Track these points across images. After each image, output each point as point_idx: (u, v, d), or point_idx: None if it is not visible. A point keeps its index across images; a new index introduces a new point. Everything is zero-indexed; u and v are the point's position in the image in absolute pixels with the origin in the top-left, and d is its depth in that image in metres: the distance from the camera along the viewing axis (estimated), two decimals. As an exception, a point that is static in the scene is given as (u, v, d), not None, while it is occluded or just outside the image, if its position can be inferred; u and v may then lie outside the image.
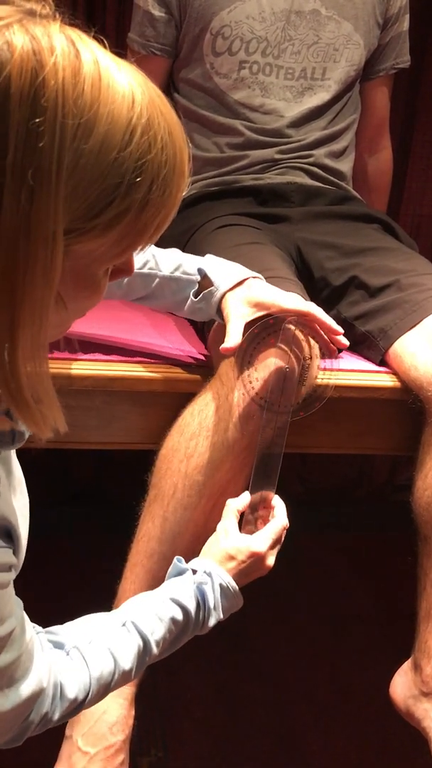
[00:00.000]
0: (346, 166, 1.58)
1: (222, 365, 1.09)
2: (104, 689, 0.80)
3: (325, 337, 1.06)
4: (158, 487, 1.10)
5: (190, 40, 1.50)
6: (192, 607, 0.88)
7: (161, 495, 1.09)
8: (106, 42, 0.60)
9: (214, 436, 1.06)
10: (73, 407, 1.12)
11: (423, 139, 2.11)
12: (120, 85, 0.57)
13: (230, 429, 1.05)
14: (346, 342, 1.08)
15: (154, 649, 0.84)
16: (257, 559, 0.95)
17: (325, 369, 1.10)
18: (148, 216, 0.61)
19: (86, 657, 0.78)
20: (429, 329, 1.18)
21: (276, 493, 1.03)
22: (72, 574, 1.81)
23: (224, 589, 0.92)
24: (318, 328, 1.05)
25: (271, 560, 0.97)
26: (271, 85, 1.48)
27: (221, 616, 0.92)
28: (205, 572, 0.91)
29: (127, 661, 0.81)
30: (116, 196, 0.58)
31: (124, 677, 0.82)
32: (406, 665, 1.20)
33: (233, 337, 1.00)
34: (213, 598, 0.90)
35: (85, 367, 1.11)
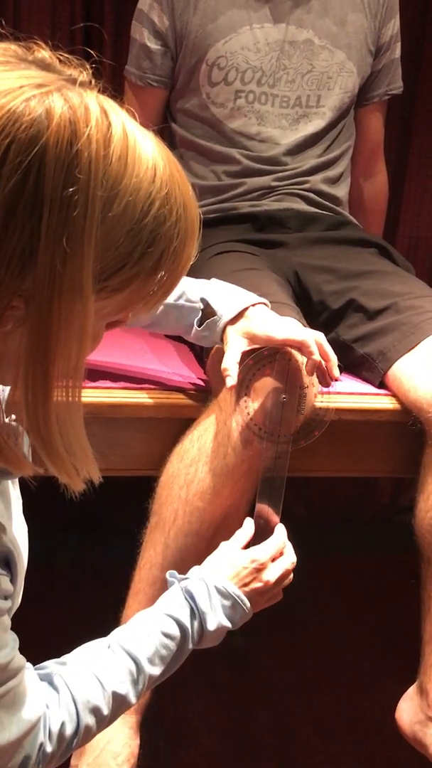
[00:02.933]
0: (342, 191, 1.60)
1: (221, 391, 1.09)
2: (99, 717, 0.77)
3: (322, 365, 1.05)
4: (159, 514, 1.10)
5: (186, 71, 1.52)
6: (184, 615, 0.85)
7: (162, 522, 1.09)
8: (135, 114, 0.62)
9: (214, 461, 1.07)
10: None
11: (418, 163, 2.13)
12: (144, 157, 0.60)
13: (229, 454, 1.06)
14: (337, 373, 1.08)
15: (149, 668, 0.81)
16: (258, 567, 0.92)
17: (323, 393, 1.11)
18: (155, 282, 0.63)
19: (70, 686, 0.76)
20: (427, 351, 1.18)
21: (280, 515, 1.03)
22: (75, 602, 1.80)
23: (222, 593, 0.88)
24: (315, 356, 1.05)
25: (272, 575, 0.93)
26: (267, 114, 1.50)
27: (225, 622, 0.88)
28: (198, 578, 0.89)
29: (117, 685, 0.78)
30: (127, 262, 0.60)
31: (119, 702, 0.79)
32: (412, 690, 1.19)
33: (232, 372, 1.01)
34: (207, 600, 0.87)
35: (86, 394, 1.11)
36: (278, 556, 0.96)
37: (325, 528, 2.20)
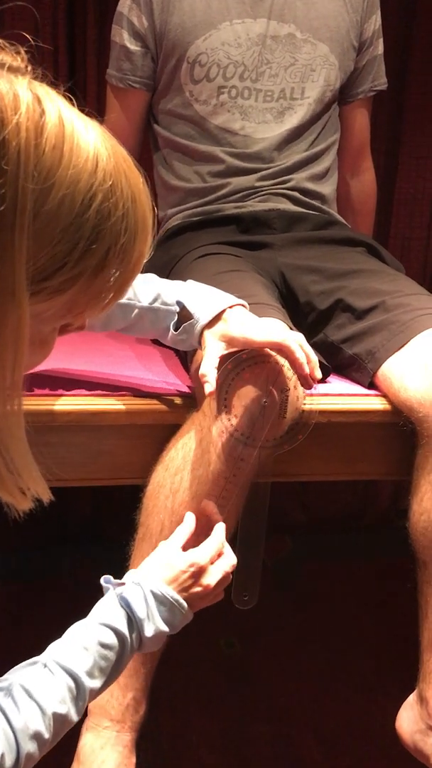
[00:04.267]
0: (328, 188, 1.58)
1: (204, 397, 1.07)
2: (41, 742, 0.72)
3: (304, 367, 1.01)
4: (146, 525, 1.07)
5: (168, 71, 1.51)
6: (121, 623, 0.82)
7: (149, 533, 1.06)
8: (74, 100, 0.58)
9: (198, 469, 1.04)
10: (56, 444, 1.10)
11: (409, 163, 2.11)
12: (84, 147, 0.56)
13: (213, 462, 1.03)
14: (319, 374, 1.05)
15: (89, 682, 0.77)
16: (198, 570, 0.88)
17: (306, 395, 1.08)
18: (102, 282, 0.59)
19: (7, 713, 0.71)
20: (416, 350, 1.16)
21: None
22: (70, 614, 1.77)
23: (159, 598, 0.85)
24: (295, 358, 1.01)
25: (212, 578, 0.89)
26: (251, 109, 1.49)
27: (163, 627, 0.84)
28: (133, 582, 0.85)
29: (57, 706, 0.74)
30: (68, 260, 0.56)
31: (61, 723, 0.74)
32: (412, 698, 1.17)
33: (210, 378, 0.98)
34: (144, 607, 0.84)
35: (68, 402, 1.09)
36: (217, 557, 0.92)
37: (325, 533, 2.17)
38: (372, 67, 1.61)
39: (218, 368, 1.00)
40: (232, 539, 1.01)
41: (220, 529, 0.94)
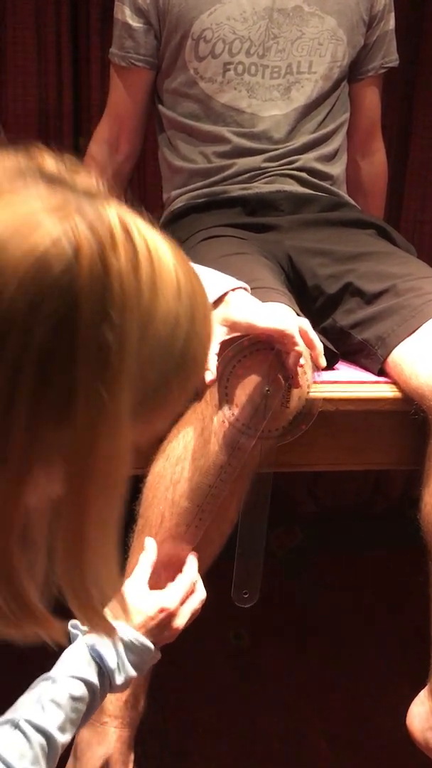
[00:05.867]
0: (337, 169, 1.54)
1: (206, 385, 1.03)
2: None
3: (299, 362, 0.98)
4: (145, 516, 1.04)
5: (172, 48, 1.47)
6: (92, 675, 0.81)
7: (149, 525, 1.03)
8: (149, 215, 0.57)
9: (200, 459, 1.01)
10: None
11: (421, 144, 2.07)
12: (167, 274, 0.54)
13: (215, 453, 1.00)
14: (323, 362, 1.02)
15: (61, 737, 0.77)
16: (167, 616, 0.89)
17: (310, 383, 1.04)
18: (182, 395, 0.59)
19: None
20: (429, 335, 1.12)
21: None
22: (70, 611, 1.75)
23: (129, 645, 0.85)
24: (292, 351, 0.97)
25: (181, 620, 0.90)
26: (257, 86, 1.45)
27: (133, 673, 0.85)
28: None
29: (33, 765, 0.74)
30: (161, 386, 0.56)
31: None
32: (423, 694, 1.13)
33: (210, 365, 0.95)
34: (115, 657, 0.84)
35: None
36: (189, 595, 0.92)
37: (336, 524, 2.15)
38: (383, 43, 1.56)
39: (219, 355, 0.96)
40: (233, 533, 0.99)
41: (191, 564, 0.95)
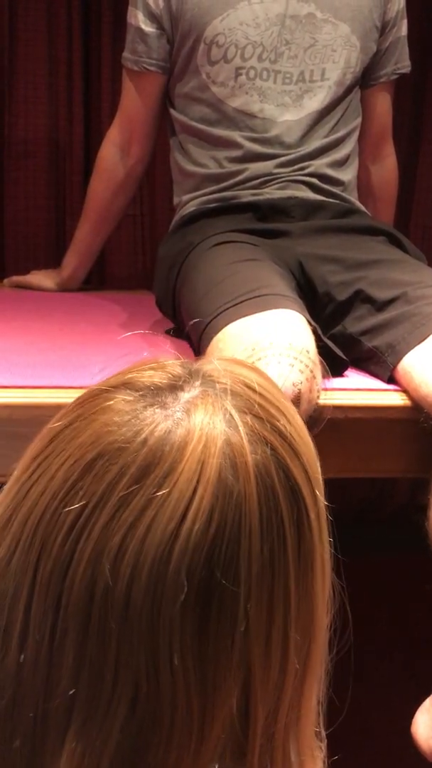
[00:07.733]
0: (348, 175, 1.54)
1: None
2: None
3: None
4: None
5: (184, 53, 1.48)
6: None
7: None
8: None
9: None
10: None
11: (431, 149, 2.07)
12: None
13: None
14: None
15: None
16: None
17: (321, 389, 1.04)
18: None
19: None
20: (439, 343, 1.12)
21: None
22: None
23: None
24: None
25: None
26: (269, 91, 1.45)
27: None
28: None
29: None
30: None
31: None
32: (428, 702, 1.13)
33: None
34: None
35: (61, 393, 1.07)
36: None
37: (341, 528, 2.14)
38: (395, 49, 1.56)
39: None
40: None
41: None
